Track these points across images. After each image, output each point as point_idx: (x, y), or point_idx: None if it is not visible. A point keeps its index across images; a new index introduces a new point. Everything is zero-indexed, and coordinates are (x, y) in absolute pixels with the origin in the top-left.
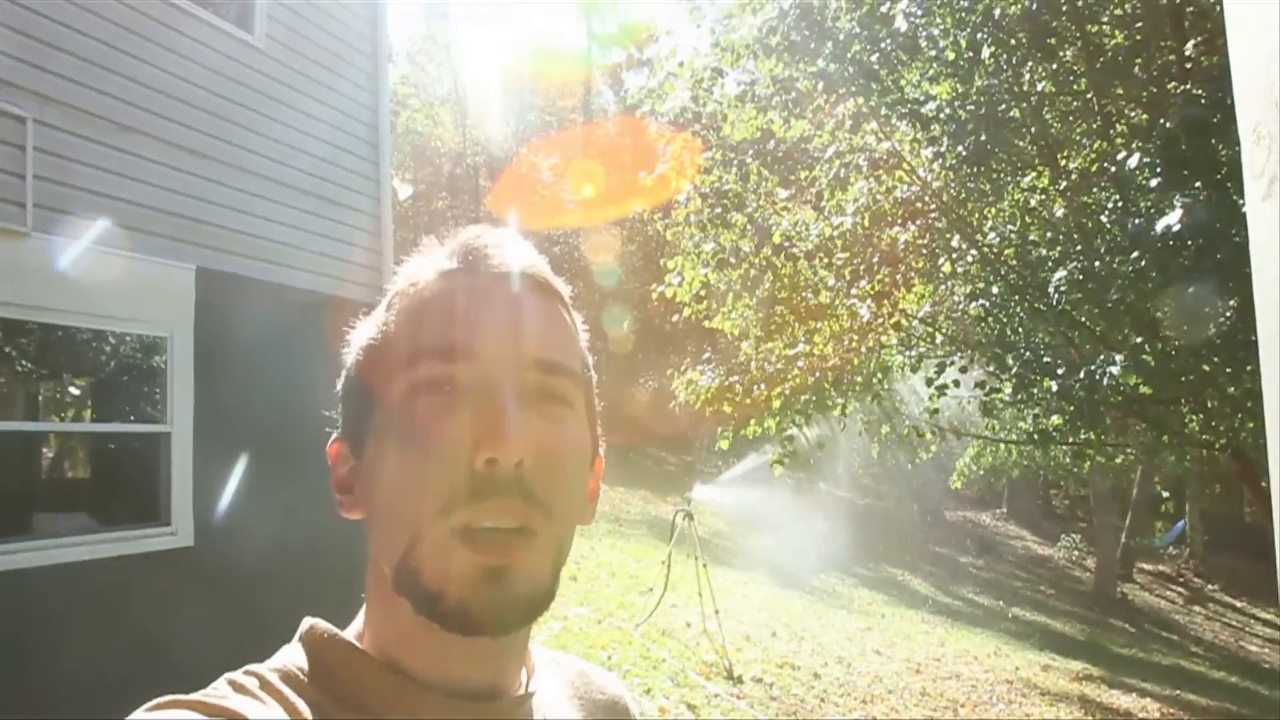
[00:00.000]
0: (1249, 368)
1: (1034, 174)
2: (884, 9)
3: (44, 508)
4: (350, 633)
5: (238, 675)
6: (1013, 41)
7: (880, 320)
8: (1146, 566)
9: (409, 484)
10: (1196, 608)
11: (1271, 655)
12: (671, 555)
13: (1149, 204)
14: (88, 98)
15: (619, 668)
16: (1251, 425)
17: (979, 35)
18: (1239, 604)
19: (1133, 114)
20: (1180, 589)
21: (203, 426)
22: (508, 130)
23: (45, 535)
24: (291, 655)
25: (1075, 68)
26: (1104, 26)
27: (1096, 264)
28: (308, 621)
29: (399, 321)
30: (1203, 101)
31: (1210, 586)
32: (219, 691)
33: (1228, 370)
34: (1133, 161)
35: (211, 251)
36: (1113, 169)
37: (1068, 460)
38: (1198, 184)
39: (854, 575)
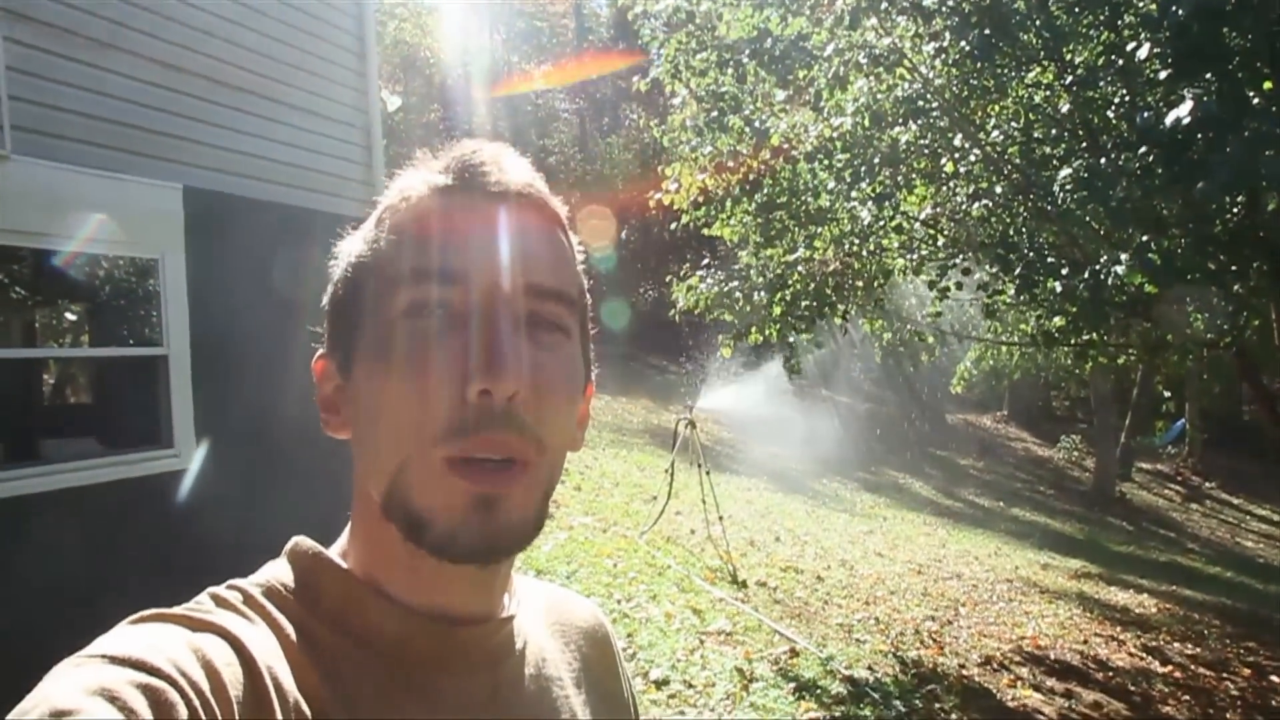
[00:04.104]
0: (1255, 265)
1: (1039, 69)
2: None
3: (49, 433)
4: (335, 550)
5: (221, 589)
6: None
7: (881, 223)
8: (1145, 466)
9: (399, 411)
10: (1194, 505)
11: (1266, 550)
12: (675, 463)
13: (1157, 97)
14: (60, 13)
15: (624, 575)
16: (1256, 323)
17: None
18: (1235, 501)
19: (1142, 3)
20: (1178, 487)
21: (200, 348)
22: (498, 38)
23: (52, 460)
24: (276, 571)
25: None
26: None
27: (1102, 161)
28: (294, 539)
29: (390, 239)
30: None
31: (1208, 484)
32: (203, 606)
33: (1233, 268)
34: (1142, 53)
35: (199, 170)
36: (1120, 61)
37: (1069, 361)
38: (1209, 75)
39: (856, 479)
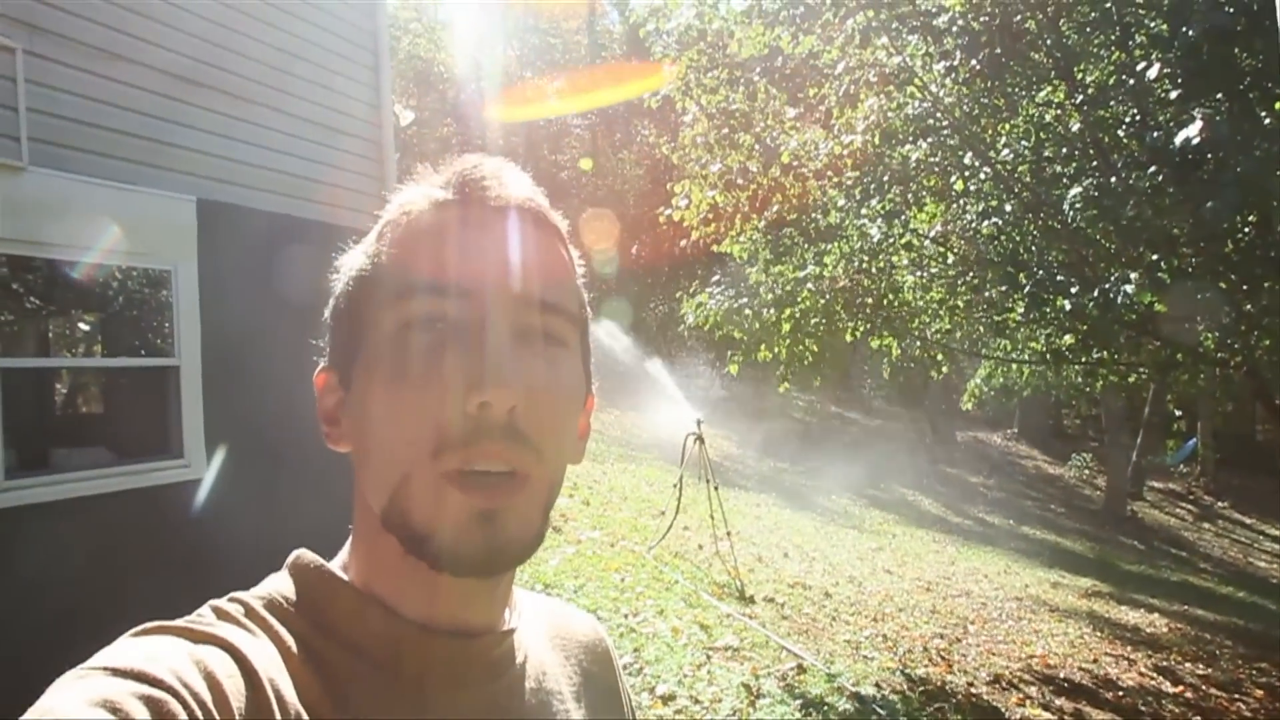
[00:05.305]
0: (1266, 284)
1: (1049, 88)
2: None
3: (60, 442)
4: (336, 564)
5: (222, 602)
6: None
7: (891, 240)
8: (1157, 485)
9: (399, 424)
10: (1206, 525)
11: (1279, 571)
12: (683, 478)
13: (1167, 117)
14: (78, 26)
15: (632, 589)
16: (1267, 342)
17: None
18: (1248, 521)
19: (1153, 23)
20: (1190, 506)
21: (210, 359)
22: (511, 54)
23: (62, 469)
24: (278, 584)
25: None
26: None
27: (1113, 180)
28: (296, 552)
29: (391, 253)
30: (1228, 9)
31: (1220, 504)
32: (205, 618)
33: (1244, 287)
34: (1152, 72)
35: (213, 182)
36: (1131, 81)
37: (1080, 380)
38: (1219, 95)
39: (865, 496)
